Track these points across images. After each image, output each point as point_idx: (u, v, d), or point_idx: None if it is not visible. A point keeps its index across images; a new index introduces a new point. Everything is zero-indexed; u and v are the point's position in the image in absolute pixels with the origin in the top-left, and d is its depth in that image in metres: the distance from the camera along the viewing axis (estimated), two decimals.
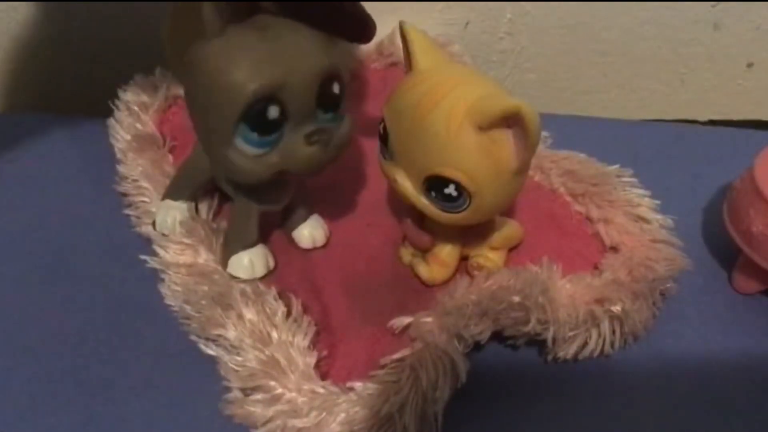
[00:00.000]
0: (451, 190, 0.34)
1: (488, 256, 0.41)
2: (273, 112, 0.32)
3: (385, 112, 0.36)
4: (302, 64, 0.33)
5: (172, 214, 0.42)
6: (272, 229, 0.43)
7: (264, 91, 0.32)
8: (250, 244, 0.40)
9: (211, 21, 0.32)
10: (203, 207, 0.43)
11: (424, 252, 0.41)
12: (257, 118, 0.32)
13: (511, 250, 0.42)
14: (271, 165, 0.34)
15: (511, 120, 0.32)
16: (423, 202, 0.36)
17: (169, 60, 0.34)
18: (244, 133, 0.33)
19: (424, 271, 0.40)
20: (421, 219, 0.39)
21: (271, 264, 0.41)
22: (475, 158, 0.33)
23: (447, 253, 0.40)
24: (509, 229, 0.41)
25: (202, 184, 0.42)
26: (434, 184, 0.35)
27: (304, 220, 0.42)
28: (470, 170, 0.33)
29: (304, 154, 0.34)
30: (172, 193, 0.43)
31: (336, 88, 0.34)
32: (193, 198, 0.43)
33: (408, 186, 0.36)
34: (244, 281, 0.39)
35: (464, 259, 0.41)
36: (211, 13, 0.32)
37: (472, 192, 0.34)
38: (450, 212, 0.35)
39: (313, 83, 0.33)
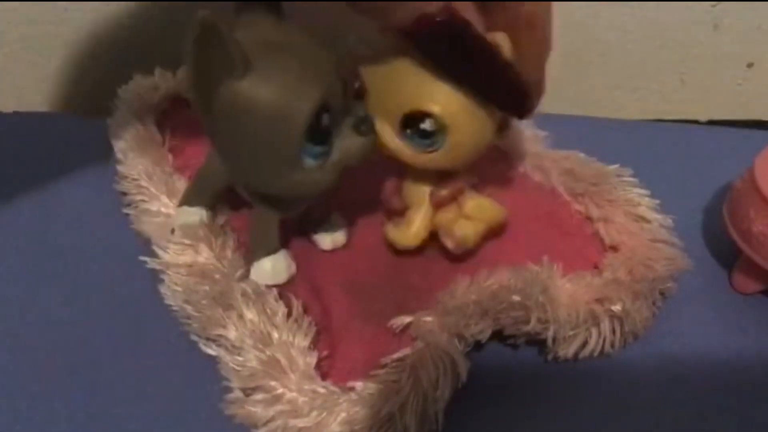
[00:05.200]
0: (426, 125, 0.35)
1: (461, 222, 0.40)
2: (326, 119, 0.33)
3: (363, 71, 0.37)
4: (329, 63, 0.33)
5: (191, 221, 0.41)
6: (290, 232, 0.43)
7: (320, 102, 0.32)
8: (272, 251, 0.40)
9: (240, 55, 0.31)
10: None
11: (397, 217, 0.41)
12: (316, 131, 0.33)
13: (495, 237, 0.42)
14: (335, 165, 0.34)
15: None
16: (398, 143, 0.37)
17: (198, 107, 0.33)
18: (306, 150, 0.33)
19: (395, 233, 0.41)
20: (399, 188, 0.41)
21: (293, 269, 0.41)
22: (450, 91, 0.34)
23: (420, 217, 0.40)
24: (484, 201, 0.41)
25: (219, 191, 0.41)
26: (410, 122, 0.36)
27: (325, 221, 0.42)
28: (445, 102, 0.35)
29: (360, 144, 0.35)
30: (190, 199, 0.42)
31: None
32: (211, 204, 0.42)
33: (385, 130, 0.37)
34: (244, 281, 0.39)
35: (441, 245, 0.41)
36: (238, 47, 0.31)
37: (448, 125, 0.35)
38: (425, 151, 0.36)
39: (342, 78, 0.34)
